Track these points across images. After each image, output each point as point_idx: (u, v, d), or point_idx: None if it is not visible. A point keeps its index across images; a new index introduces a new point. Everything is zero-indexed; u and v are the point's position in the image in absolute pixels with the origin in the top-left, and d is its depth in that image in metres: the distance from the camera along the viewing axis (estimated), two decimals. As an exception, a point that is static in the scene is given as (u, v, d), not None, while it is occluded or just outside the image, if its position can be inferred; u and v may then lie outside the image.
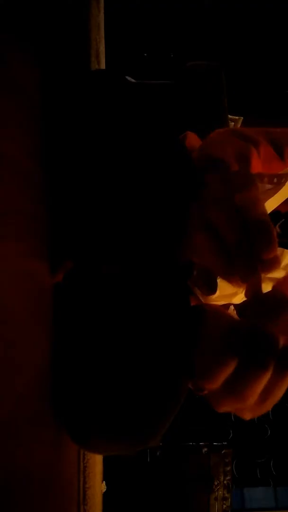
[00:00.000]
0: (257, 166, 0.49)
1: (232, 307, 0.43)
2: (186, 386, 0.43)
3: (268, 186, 0.47)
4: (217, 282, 0.42)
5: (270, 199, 0.46)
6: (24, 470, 0.39)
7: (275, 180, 0.48)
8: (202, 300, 0.49)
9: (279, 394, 0.34)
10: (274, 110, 2.92)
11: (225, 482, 2.30)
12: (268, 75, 3.03)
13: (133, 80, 0.63)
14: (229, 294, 0.49)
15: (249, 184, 0.40)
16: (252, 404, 0.34)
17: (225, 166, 0.46)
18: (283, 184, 0.47)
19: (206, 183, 0.46)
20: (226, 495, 2.29)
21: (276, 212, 0.51)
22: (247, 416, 0.36)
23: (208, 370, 0.34)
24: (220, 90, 0.87)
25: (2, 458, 0.34)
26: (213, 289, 0.43)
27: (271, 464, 3.10)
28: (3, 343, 0.35)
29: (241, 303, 0.38)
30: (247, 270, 0.34)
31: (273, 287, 0.37)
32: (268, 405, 0.35)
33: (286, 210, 0.52)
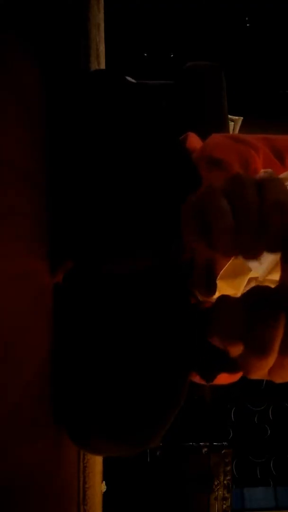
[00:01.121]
0: (258, 169, 0.49)
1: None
2: (186, 388, 0.43)
3: None
4: (216, 283, 0.42)
5: None
6: (24, 470, 0.39)
7: None
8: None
9: None
10: (274, 110, 2.92)
11: (225, 482, 2.30)
12: (268, 75, 3.04)
13: (133, 80, 0.63)
14: None
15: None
16: (279, 359, 0.32)
17: (227, 165, 0.46)
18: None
19: (206, 182, 0.46)
20: (226, 495, 2.29)
21: None
22: (279, 377, 0.34)
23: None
24: (220, 90, 0.87)
25: (2, 458, 0.34)
26: (212, 290, 0.42)
27: (271, 464, 3.10)
28: (3, 344, 0.35)
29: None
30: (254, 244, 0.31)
31: None
32: None
33: None
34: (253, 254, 0.31)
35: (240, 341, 0.32)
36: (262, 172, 0.46)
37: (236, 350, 0.33)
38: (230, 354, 0.33)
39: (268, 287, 0.33)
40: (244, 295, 0.34)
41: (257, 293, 0.33)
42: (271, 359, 0.31)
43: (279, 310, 0.31)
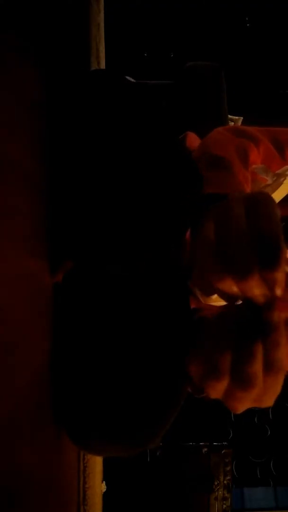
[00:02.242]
0: (256, 162, 0.49)
1: None
2: (186, 389, 0.43)
3: (267, 182, 0.47)
4: None
5: None
6: (25, 471, 0.39)
7: (275, 178, 0.48)
8: (202, 301, 0.49)
9: (278, 356, 0.32)
10: (274, 110, 2.92)
11: (225, 482, 2.30)
12: (268, 75, 3.03)
13: (133, 80, 0.63)
14: None
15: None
16: (263, 383, 0.33)
17: (226, 163, 0.46)
18: (281, 182, 0.47)
19: (207, 181, 0.46)
20: (226, 495, 2.29)
21: None
22: (267, 401, 0.35)
23: (213, 365, 0.33)
24: (220, 90, 0.87)
25: (3, 459, 0.34)
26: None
27: (271, 464, 3.10)
28: (3, 344, 0.35)
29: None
30: (242, 270, 0.33)
31: None
32: (275, 376, 0.33)
33: (287, 214, 0.52)
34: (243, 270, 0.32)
35: (228, 375, 0.33)
36: (257, 168, 0.46)
37: (220, 386, 0.33)
38: (211, 393, 0.34)
39: (249, 314, 0.33)
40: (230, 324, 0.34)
41: (242, 320, 0.33)
42: (257, 386, 0.32)
43: (256, 340, 0.32)
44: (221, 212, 0.35)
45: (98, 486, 0.75)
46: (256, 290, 0.32)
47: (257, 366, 0.32)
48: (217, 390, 0.33)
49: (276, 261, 0.31)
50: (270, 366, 0.32)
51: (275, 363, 0.32)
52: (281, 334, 0.32)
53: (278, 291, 0.32)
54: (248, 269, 0.31)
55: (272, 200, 0.35)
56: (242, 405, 0.33)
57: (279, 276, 0.31)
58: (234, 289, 0.33)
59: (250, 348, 0.32)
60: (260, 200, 0.34)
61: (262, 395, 0.33)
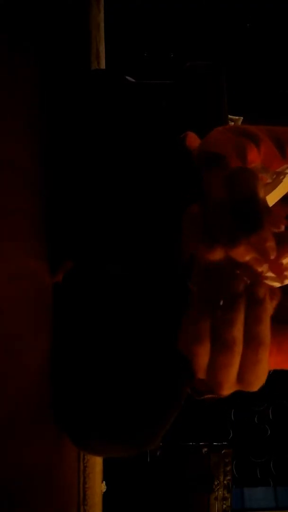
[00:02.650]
0: (256, 161, 0.49)
1: None
2: (186, 389, 0.43)
3: (267, 180, 0.47)
4: None
5: (268, 196, 0.46)
6: (25, 471, 0.39)
7: (274, 176, 0.48)
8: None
9: (259, 331, 0.33)
10: (274, 110, 2.92)
11: (225, 482, 2.30)
12: (268, 75, 3.04)
13: (133, 80, 0.63)
14: None
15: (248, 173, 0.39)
16: (243, 356, 0.33)
17: (225, 161, 0.46)
18: (281, 180, 0.47)
19: (206, 180, 0.46)
20: (226, 495, 2.29)
21: None
22: (251, 381, 0.34)
23: (194, 331, 0.33)
24: (220, 90, 0.87)
25: (3, 459, 0.34)
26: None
27: (271, 464, 3.10)
28: (3, 344, 0.35)
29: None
30: (227, 242, 0.33)
31: None
32: (256, 351, 0.33)
33: (287, 212, 0.52)
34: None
35: (208, 340, 0.33)
36: (256, 166, 0.47)
37: (202, 352, 0.33)
38: (196, 363, 0.34)
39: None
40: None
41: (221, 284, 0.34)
42: (237, 354, 0.32)
43: (237, 308, 0.32)
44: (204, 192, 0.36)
45: (98, 486, 0.75)
46: (247, 256, 0.33)
47: (236, 333, 0.32)
48: (200, 358, 0.33)
49: (257, 225, 0.32)
50: (250, 339, 0.33)
51: (256, 336, 0.33)
52: (265, 310, 0.33)
53: (270, 254, 0.32)
54: (234, 237, 0.32)
55: (248, 169, 0.36)
56: (226, 378, 0.33)
57: (265, 238, 0.32)
58: (225, 257, 0.34)
59: (230, 315, 0.32)
60: (236, 172, 0.36)
61: (244, 371, 0.33)
